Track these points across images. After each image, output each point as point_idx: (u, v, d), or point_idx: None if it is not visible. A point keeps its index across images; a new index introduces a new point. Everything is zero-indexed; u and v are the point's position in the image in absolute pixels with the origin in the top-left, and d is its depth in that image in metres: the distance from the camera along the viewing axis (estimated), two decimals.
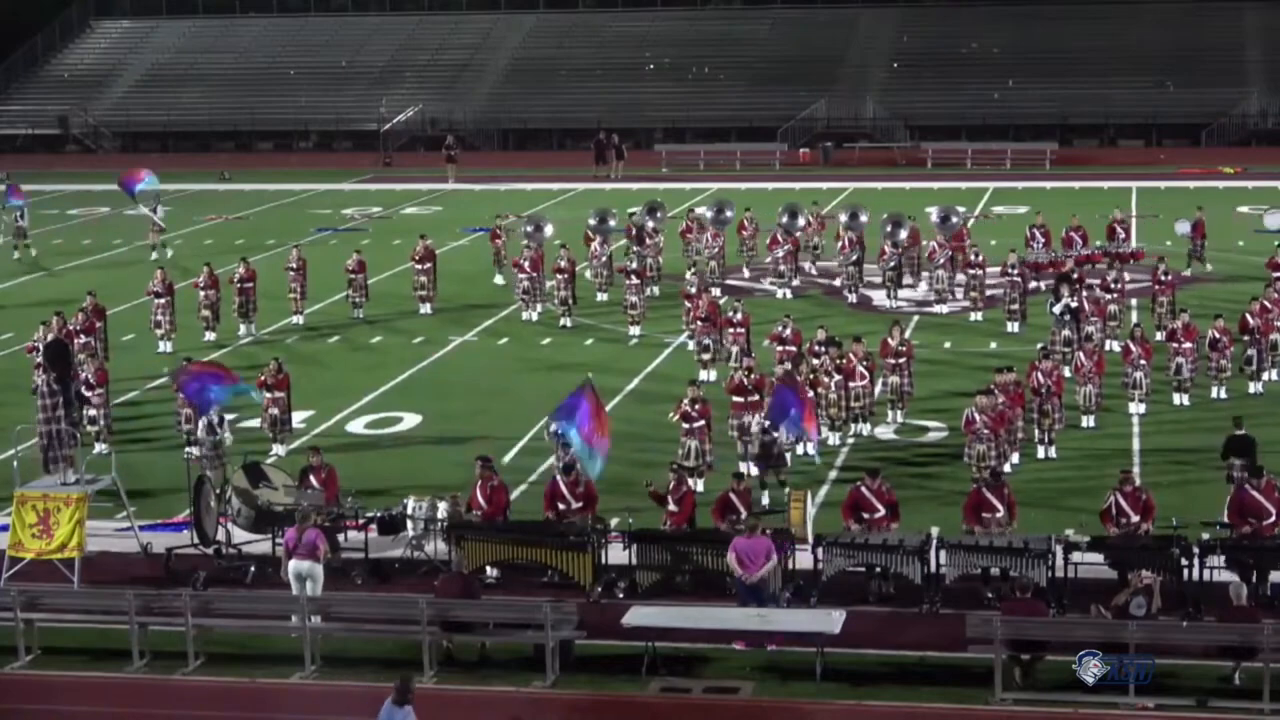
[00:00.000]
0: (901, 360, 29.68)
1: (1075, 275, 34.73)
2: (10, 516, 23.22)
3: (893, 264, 40.05)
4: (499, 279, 43.43)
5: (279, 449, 28.74)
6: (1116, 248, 41.08)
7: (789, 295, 40.90)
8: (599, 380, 32.54)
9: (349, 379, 34.31)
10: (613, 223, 43.45)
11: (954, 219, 42.05)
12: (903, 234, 40.76)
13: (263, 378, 29.12)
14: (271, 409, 28.88)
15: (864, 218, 42.49)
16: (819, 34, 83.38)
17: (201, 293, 37.87)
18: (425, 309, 40.42)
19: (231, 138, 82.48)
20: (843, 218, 42.77)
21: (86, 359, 30.71)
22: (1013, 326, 36.67)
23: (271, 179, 68.51)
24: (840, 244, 41.84)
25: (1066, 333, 32.59)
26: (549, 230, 42.75)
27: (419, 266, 40.72)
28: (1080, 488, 25.60)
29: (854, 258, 41.12)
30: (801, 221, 43.22)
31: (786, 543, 21.81)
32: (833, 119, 76.78)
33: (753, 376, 27.48)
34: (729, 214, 43.96)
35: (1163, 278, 35.63)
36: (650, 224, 43.94)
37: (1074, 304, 32.70)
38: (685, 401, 26.42)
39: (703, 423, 26.33)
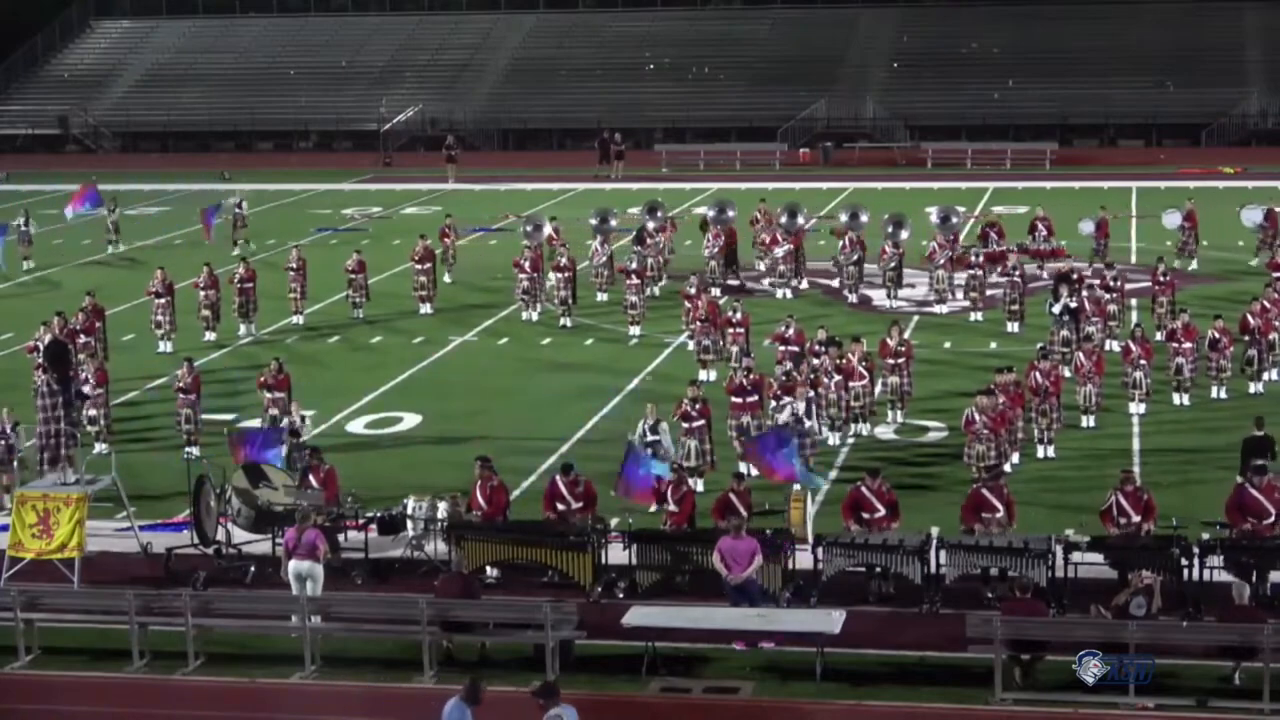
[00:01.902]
0: (901, 360, 29.68)
1: (1075, 276, 34.72)
2: (10, 516, 23.22)
3: (893, 264, 40.07)
4: (446, 277, 43.39)
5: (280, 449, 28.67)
6: (1035, 244, 41.46)
7: (789, 295, 40.92)
8: (598, 380, 32.79)
9: (349, 379, 34.30)
10: (614, 222, 43.48)
11: (954, 219, 42.15)
12: (903, 234, 40.82)
13: (263, 378, 29.18)
14: (272, 409, 28.80)
15: (864, 218, 42.61)
16: (819, 34, 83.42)
17: (201, 293, 37.85)
18: (425, 309, 40.41)
19: (231, 138, 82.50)
20: (843, 218, 42.90)
21: (86, 359, 30.71)
22: (1012, 326, 36.65)
23: (271, 179, 68.48)
24: (841, 244, 41.89)
25: (1065, 333, 32.57)
26: (548, 230, 42.80)
27: (419, 266, 40.71)
28: (1081, 488, 25.60)
29: (855, 258, 41.16)
30: (800, 221, 43.32)
31: (786, 542, 21.82)
32: (833, 119, 76.81)
33: (751, 377, 27.48)
34: (731, 213, 44.06)
35: (1162, 278, 35.62)
36: (650, 224, 44.01)
37: (1073, 304, 32.69)
38: (686, 401, 26.42)
39: (703, 422, 26.34)
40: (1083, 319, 32.84)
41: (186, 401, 29.02)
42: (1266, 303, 32.16)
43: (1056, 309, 32.80)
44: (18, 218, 48.92)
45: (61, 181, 68.43)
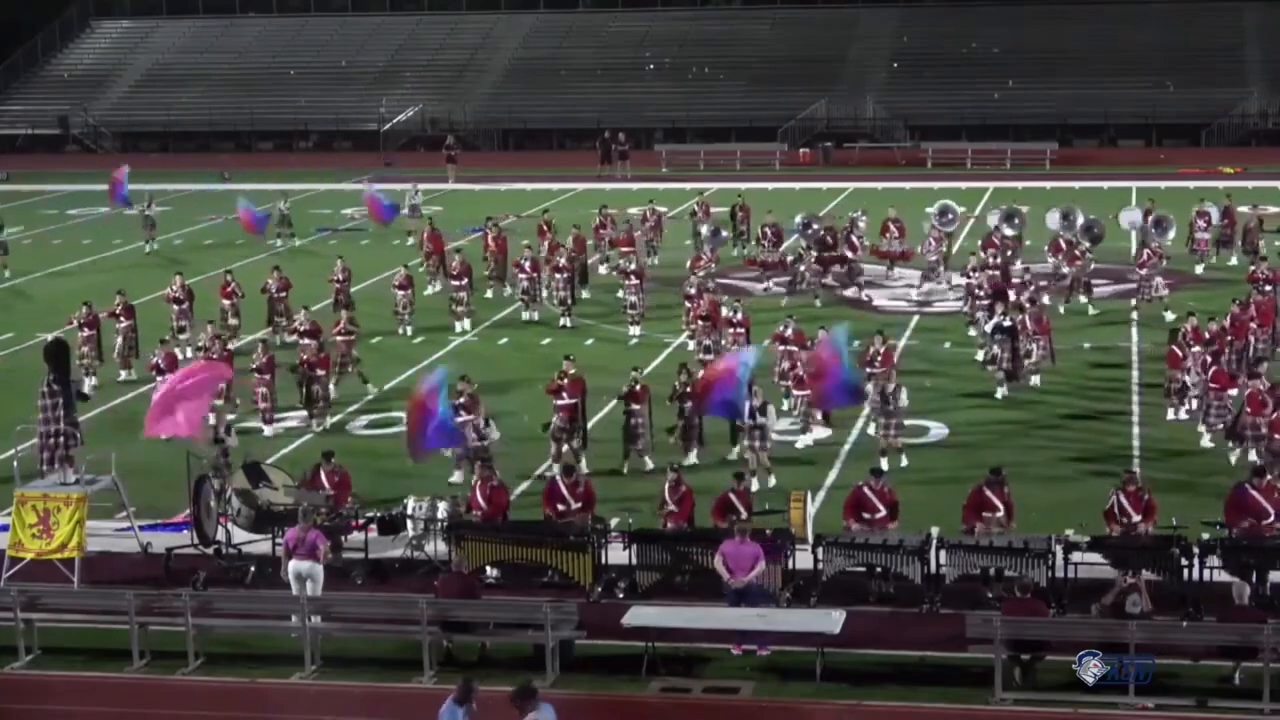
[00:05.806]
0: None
1: (1010, 293, 34.22)
2: (10, 516, 23.23)
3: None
4: (429, 290, 43.06)
5: (313, 426, 30.02)
6: (887, 246, 42.17)
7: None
8: (596, 380, 32.67)
9: (349, 379, 34.22)
10: (817, 225, 42.81)
11: (1017, 221, 42.13)
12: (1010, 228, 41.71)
13: (305, 356, 30.37)
14: (314, 387, 30.27)
15: (953, 215, 43.31)
16: (819, 34, 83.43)
17: (226, 302, 37.37)
18: (465, 325, 38.91)
19: (231, 138, 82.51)
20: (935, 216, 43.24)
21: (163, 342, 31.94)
22: (972, 330, 36.43)
23: (271, 179, 68.40)
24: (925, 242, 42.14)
25: (996, 350, 31.69)
26: (725, 234, 42.83)
27: (457, 283, 39.38)
28: (1081, 489, 25.59)
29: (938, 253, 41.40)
30: (950, 216, 43.60)
31: (786, 542, 21.82)
32: (833, 119, 76.83)
33: (565, 380, 27.71)
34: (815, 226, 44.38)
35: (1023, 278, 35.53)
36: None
37: (1007, 323, 31.69)
38: (461, 396, 26.53)
39: (472, 417, 26.32)
40: (1023, 336, 31.84)
41: (262, 381, 30.32)
42: (1243, 306, 32.28)
43: (989, 327, 32.27)
44: (142, 202, 50.60)
45: (61, 182, 68.53)
